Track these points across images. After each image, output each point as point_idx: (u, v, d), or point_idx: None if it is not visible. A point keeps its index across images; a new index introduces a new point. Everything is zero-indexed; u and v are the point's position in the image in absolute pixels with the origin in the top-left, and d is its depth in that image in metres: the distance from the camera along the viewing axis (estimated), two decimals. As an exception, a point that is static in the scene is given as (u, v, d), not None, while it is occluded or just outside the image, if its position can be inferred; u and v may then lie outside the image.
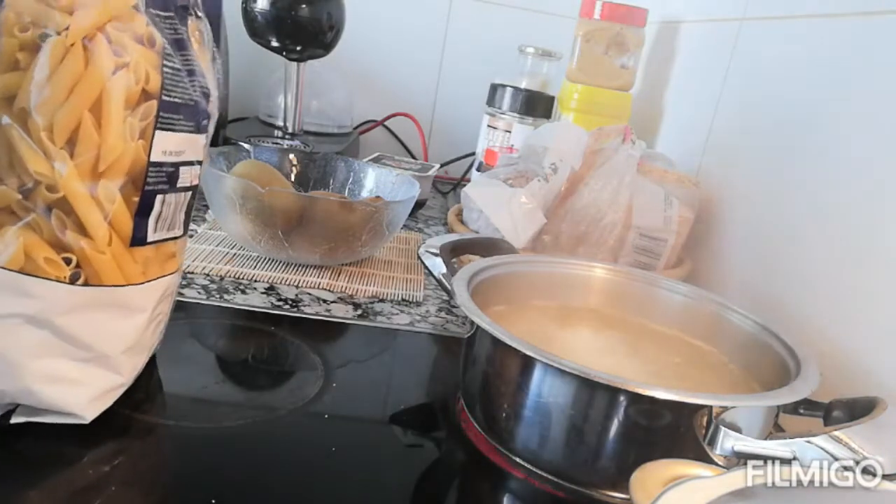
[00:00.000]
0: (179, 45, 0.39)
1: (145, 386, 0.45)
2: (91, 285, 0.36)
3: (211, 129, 0.43)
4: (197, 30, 0.41)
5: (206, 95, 0.41)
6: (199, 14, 0.42)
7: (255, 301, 0.60)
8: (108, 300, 0.37)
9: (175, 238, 0.41)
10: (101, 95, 0.35)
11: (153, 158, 0.37)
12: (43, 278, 0.35)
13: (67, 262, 0.36)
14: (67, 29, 0.33)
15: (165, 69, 0.37)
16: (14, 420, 0.37)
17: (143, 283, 0.39)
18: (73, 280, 0.36)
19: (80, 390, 0.38)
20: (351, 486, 0.39)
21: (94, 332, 0.37)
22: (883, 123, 0.52)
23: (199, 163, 0.42)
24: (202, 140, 0.41)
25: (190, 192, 0.41)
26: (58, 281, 0.35)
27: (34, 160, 0.34)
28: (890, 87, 0.52)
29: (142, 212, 0.38)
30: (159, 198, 0.38)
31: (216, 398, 0.46)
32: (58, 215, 0.35)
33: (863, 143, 0.54)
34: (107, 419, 0.41)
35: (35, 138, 0.34)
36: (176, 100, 0.38)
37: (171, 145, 0.38)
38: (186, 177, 0.40)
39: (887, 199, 0.50)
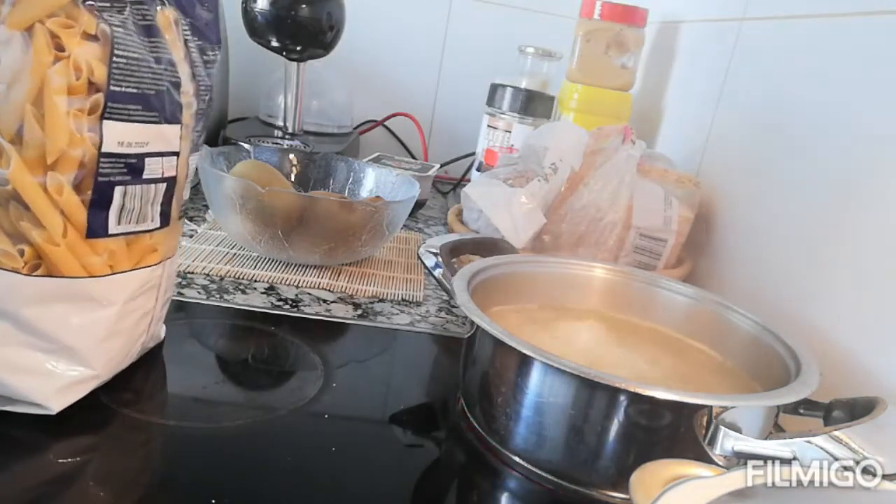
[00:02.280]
0: (148, 31, 0.39)
1: (145, 386, 0.45)
2: (50, 276, 0.36)
3: (191, 120, 0.42)
4: (170, 20, 0.40)
5: (177, 85, 0.40)
6: (168, 3, 0.41)
7: (255, 301, 0.60)
8: (68, 292, 0.37)
9: (148, 231, 0.41)
10: (41, 89, 0.34)
11: (105, 149, 0.37)
12: (0, 269, 0.35)
13: (23, 253, 0.36)
14: (4, 22, 0.33)
15: (116, 59, 0.36)
16: None
17: (107, 275, 0.39)
18: (31, 271, 0.36)
19: (45, 381, 0.38)
20: (351, 486, 0.39)
21: (56, 323, 0.37)
22: (883, 123, 0.52)
23: (176, 154, 0.41)
24: (175, 130, 0.40)
25: (164, 184, 0.41)
26: (14, 272, 0.36)
27: None
28: (890, 87, 0.52)
29: (97, 204, 0.37)
30: (119, 189, 0.38)
31: (216, 398, 0.46)
32: (15, 207, 0.35)
33: (863, 143, 0.54)
34: (107, 420, 0.41)
35: None
36: (130, 90, 0.37)
37: (128, 136, 0.37)
38: (156, 168, 0.40)
39: (888, 198, 0.50)
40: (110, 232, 0.38)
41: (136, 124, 0.38)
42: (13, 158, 0.35)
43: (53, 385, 0.38)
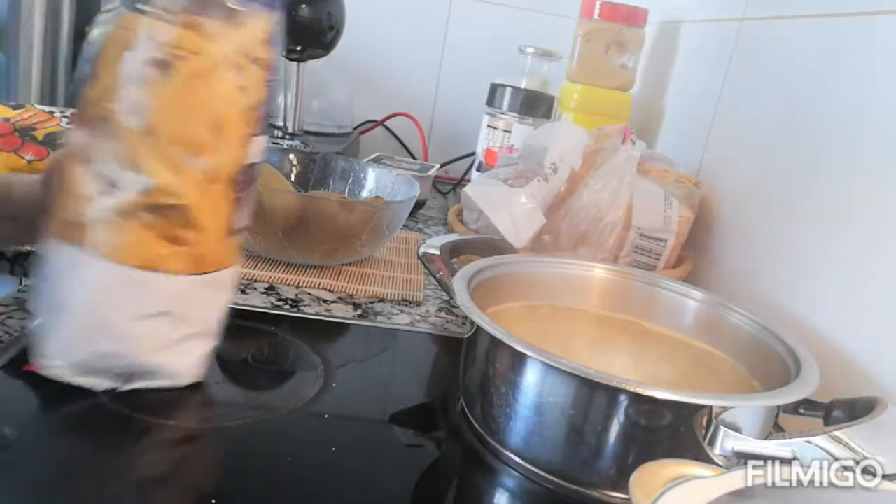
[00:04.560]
0: None
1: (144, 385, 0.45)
2: (203, 273, 0.42)
3: None
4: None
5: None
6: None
7: (255, 301, 0.60)
8: (216, 283, 0.43)
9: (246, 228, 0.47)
10: (222, 114, 0.40)
11: (248, 161, 0.42)
12: (163, 272, 0.40)
13: (177, 255, 0.41)
14: (200, 54, 0.38)
15: (269, 84, 0.42)
16: (127, 387, 0.42)
17: (231, 266, 0.45)
18: (187, 270, 0.41)
19: (188, 360, 0.44)
20: (351, 486, 0.39)
21: (202, 310, 0.44)
22: (883, 123, 0.52)
23: (263, 161, 0.46)
24: (265, 140, 0.46)
25: (252, 186, 0.46)
26: (176, 274, 0.41)
27: (157, 167, 0.39)
28: (890, 87, 0.52)
29: (237, 207, 0.43)
30: (244, 193, 0.43)
31: (216, 398, 0.46)
32: (179, 214, 0.40)
33: (863, 143, 0.54)
34: (107, 420, 0.41)
35: (160, 147, 0.38)
36: (266, 108, 0.43)
37: (259, 148, 0.43)
38: (256, 174, 0.46)
39: (888, 198, 0.50)
40: (238, 230, 0.44)
41: (263, 137, 0.44)
42: (185, 174, 0.39)
43: (194, 361, 0.44)
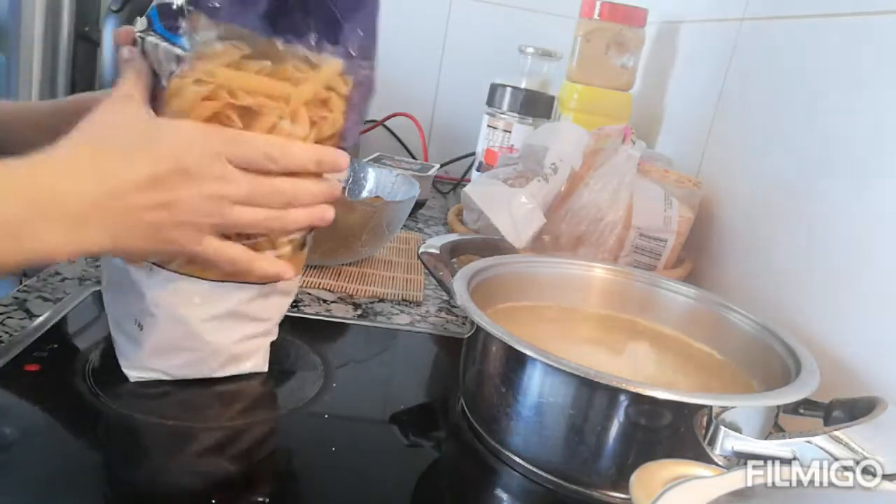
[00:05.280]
0: None
1: (145, 386, 0.45)
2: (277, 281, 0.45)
3: None
4: None
5: None
6: None
7: (255, 301, 0.60)
8: (283, 288, 0.47)
9: None
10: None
11: None
12: (243, 283, 0.44)
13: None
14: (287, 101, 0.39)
15: (349, 112, 0.44)
16: (220, 374, 0.47)
17: (298, 274, 0.47)
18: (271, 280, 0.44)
19: (261, 352, 0.48)
20: (351, 486, 0.39)
21: (271, 311, 0.47)
22: (883, 123, 0.52)
23: None
24: None
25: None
26: (252, 283, 0.44)
27: None
28: (890, 87, 0.52)
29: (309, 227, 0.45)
30: None
31: (216, 398, 0.46)
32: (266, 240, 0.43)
33: (863, 143, 0.54)
34: (107, 420, 0.41)
35: None
36: (346, 134, 0.45)
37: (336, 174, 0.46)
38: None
39: (887, 198, 0.50)
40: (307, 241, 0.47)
41: None
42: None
43: (264, 353, 0.49)
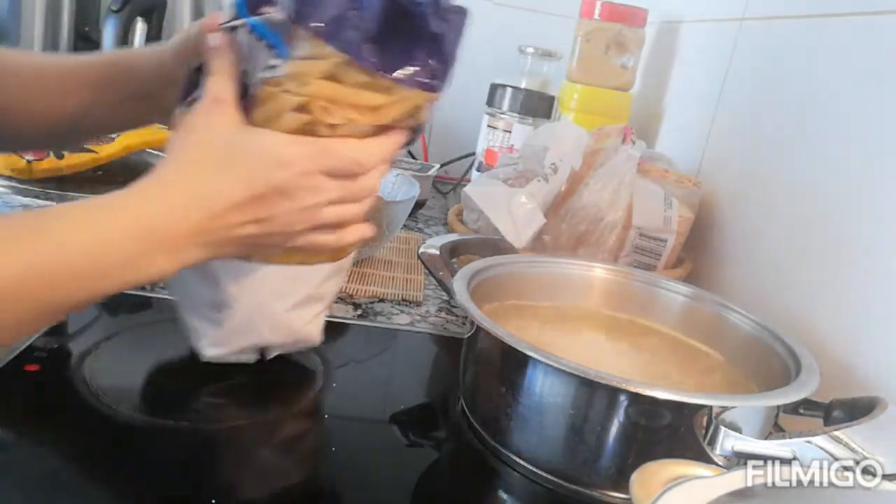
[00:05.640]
0: None
1: (145, 386, 0.45)
2: (337, 259, 0.46)
3: None
4: None
5: None
6: None
7: (255, 301, 0.60)
8: (344, 265, 0.49)
9: None
10: None
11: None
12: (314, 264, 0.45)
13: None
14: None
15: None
16: (272, 355, 0.50)
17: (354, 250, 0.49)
18: (331, 260, 0.45)
19: (319, 328, 0.51)
20: (351, 486, 0.39)
21: (332, 286, 0.50)
22: (883, 123, 0.52)
23: None
24: None
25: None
26: (322, 263, 0.45)
27: None
28: (890, 87, 0.52)
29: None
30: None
31: (216, 398, 0.46)
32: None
33: (862, 143, 0.54)
34: (107, 420, 0.41)
35: None
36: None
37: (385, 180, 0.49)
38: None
39: (887, 198, 0.50)
40: None
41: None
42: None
43: (321, 328, 0.51)
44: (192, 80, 0.41)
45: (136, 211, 0.33)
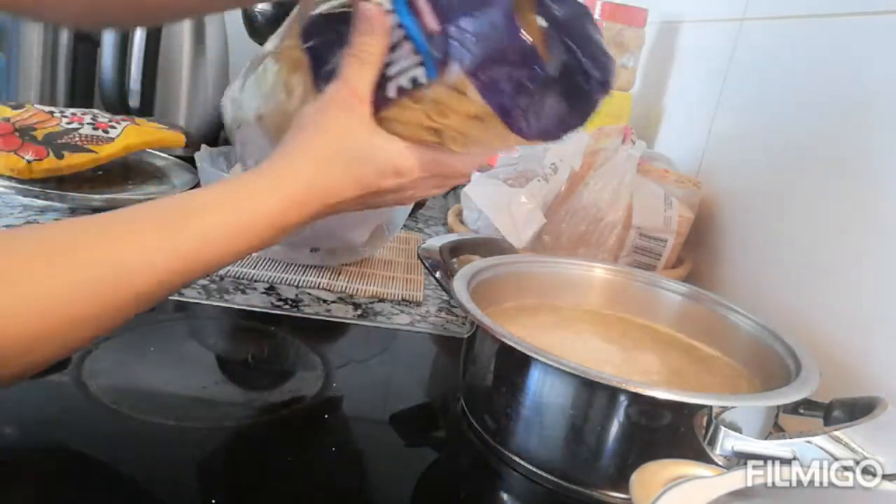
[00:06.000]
0: None
1: (145, 386, 0.45)
2: None
3: None
4: None
5: None
6: None
7: (255, 301, 0.60)
8: None
9: None
10: None
11: None
12: None
13: None
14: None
15: None
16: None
17: None
18: None
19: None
20: (351, 486, 0.39)
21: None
22: (883, 123, 0.52)
23: None
24: None
25: None
26: None
27: None
28: (890, 87, 0.52)
29: None
30: None
31: (216, 398, 0.46)
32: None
33: (863, 143, 0.54)
34: (107, 420, 0.41)
35: None
36: None
37: None
38: None
39: (887, 198, 0.50)
40: None
41: None
42: None
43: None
44: (316, 26, 0.41)
45: (273, 201, 0.37)
